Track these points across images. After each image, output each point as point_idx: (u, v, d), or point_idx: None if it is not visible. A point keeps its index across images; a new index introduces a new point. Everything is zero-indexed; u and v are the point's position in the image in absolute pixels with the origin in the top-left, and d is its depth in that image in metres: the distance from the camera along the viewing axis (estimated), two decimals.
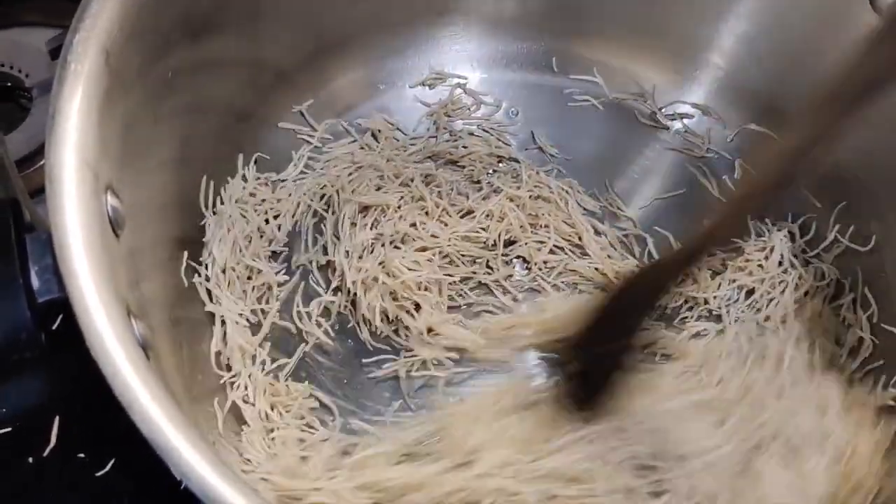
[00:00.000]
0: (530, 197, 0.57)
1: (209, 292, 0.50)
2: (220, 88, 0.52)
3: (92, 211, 0.35)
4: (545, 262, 0.56)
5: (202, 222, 0.52)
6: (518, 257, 0.56)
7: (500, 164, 0.60)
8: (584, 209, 0.58)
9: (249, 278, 0.52)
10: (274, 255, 0.55)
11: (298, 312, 0.53)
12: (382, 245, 0.54)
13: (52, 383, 0.49)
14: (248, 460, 0.45)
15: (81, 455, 0.46)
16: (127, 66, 0.40)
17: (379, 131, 0.60)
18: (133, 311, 0.36)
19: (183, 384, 0.41)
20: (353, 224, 0.55)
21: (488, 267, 0.55)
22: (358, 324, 0.53)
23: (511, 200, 0.57)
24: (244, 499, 0.30)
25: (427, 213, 0.56)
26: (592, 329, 0.48)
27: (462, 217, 0.56)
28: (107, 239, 0.35)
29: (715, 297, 0.55)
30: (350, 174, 0.57)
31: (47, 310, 0.34)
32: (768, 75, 0.60)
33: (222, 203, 0.53)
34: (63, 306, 0.33)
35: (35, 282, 0.34)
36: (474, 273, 0.55)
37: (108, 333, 0.32)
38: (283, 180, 0.57)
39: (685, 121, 0.63)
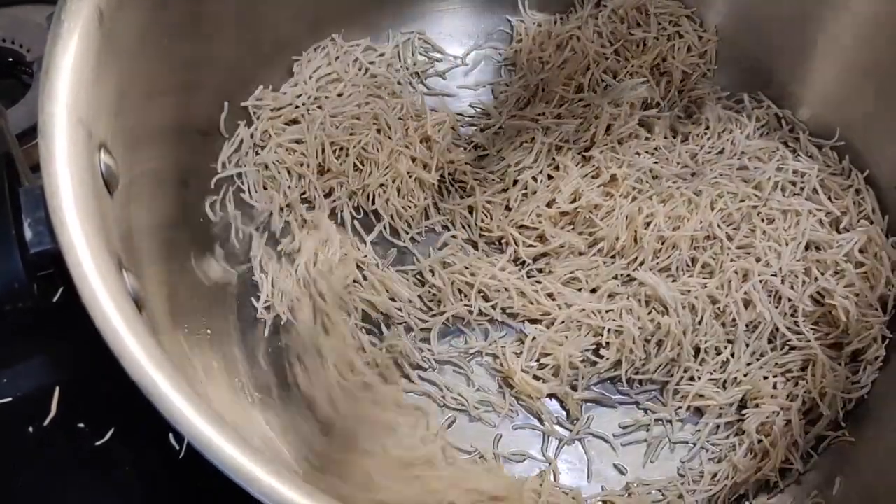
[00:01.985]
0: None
1: None
2: (218, 57, 0.52)
3: (84, 166, 0.35)
4: None
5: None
6: None
7: None
8: None
9: None
10: None
11: None
12: None
13: (52, 354, 0.49)
14: None
15: (81, 425, 0.47)
16: (121, 29, 0.40)
17: None
18: (125, 265, 0.36)
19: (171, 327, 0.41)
20: None
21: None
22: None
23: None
24: (228, 441, 0.30)
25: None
26: None
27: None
28: (99, 194, 0.36)
29: None
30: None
31: (39, 260, 0.34)
32: (763, 42, 0.60)
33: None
34: (54, 257, 0.33)
35: (27, 233, 0.34)
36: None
37: (99, 283, 0.32)
38: None
39: None
